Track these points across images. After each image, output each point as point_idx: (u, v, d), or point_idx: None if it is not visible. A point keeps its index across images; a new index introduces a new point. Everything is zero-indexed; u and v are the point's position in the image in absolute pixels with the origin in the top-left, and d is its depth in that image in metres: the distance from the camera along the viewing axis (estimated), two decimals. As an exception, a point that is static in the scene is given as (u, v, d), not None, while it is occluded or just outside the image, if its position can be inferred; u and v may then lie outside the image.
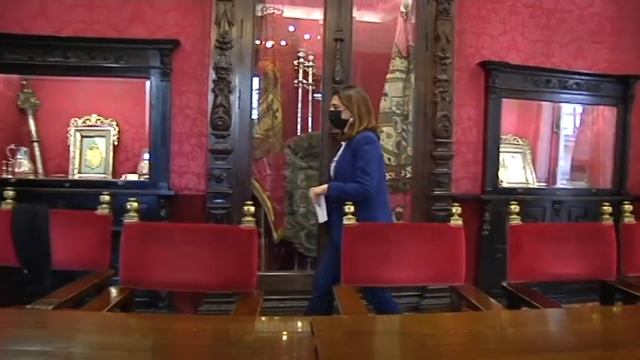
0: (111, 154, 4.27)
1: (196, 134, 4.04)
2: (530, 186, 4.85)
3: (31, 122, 4.24)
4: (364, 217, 2.77)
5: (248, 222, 2.42)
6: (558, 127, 5.12)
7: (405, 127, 4.42)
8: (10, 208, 2.74)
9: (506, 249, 2.73)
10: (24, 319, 1.80)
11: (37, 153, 4.22)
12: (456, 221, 2.67)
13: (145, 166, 4.07)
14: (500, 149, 4.56)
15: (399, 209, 4.42)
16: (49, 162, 4.30)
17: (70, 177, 4.15)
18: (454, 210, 2.68)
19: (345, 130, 3.19)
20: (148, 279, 2.44)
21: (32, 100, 4.24)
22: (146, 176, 4.01)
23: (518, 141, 5.00)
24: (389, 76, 4.43)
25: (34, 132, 4.24)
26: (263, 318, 1.98)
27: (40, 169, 4.21)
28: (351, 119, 3.15)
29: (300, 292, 3.86)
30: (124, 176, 4.13)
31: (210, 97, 3.79)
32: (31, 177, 4.07)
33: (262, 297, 2.34)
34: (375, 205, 3.06)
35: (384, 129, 4.37)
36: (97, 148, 4.28)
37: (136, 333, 1.76)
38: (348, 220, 2.61)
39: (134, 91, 4.19)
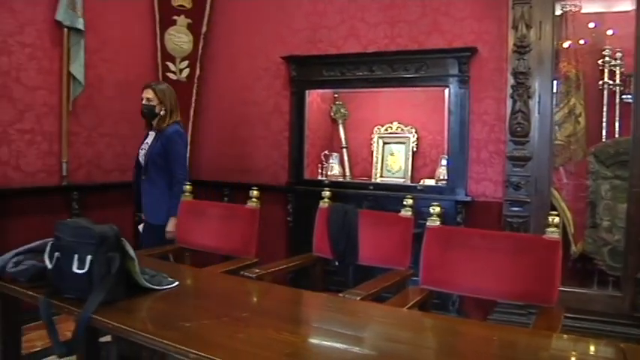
0: (410, 159, 4.54)
1: (494, 141, 3.98)
2: None
3: (341, 130, 4.85)
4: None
5: (552, 232, 2.30)
6: None
7: None
8: (326, 206, 3.12)
9: None
10: (338, 306, 2.05)
11: (346, 158, 4.81)
12: None
13: (442, 171, 4.20)
14: None
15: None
16: (355, 166, 4.85)
17: (373, 180, 4.57)
18: None
19: (155, 122, 3.50)
20: (446, 282, 2.50)
21: (342, 111, 4.86)
22: (444, 182, 4.14)
23: None
24: None
25: (343, 139, 4.83)
26: (565, 336, 1.84)
27: (348, 173, 4.78)
28: (163, 112, 3.47)
29: (599, 314, 3.55)
30: (421, 181, 4.37)
31: (509, 102, 3.73)
32: (340, 179, 4.63)
33: (563, 313, 2.21)
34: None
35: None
36: (397, 154, 4.59)
37: (429, 332, 1.85)
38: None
39: (432, 99, 4.39)
